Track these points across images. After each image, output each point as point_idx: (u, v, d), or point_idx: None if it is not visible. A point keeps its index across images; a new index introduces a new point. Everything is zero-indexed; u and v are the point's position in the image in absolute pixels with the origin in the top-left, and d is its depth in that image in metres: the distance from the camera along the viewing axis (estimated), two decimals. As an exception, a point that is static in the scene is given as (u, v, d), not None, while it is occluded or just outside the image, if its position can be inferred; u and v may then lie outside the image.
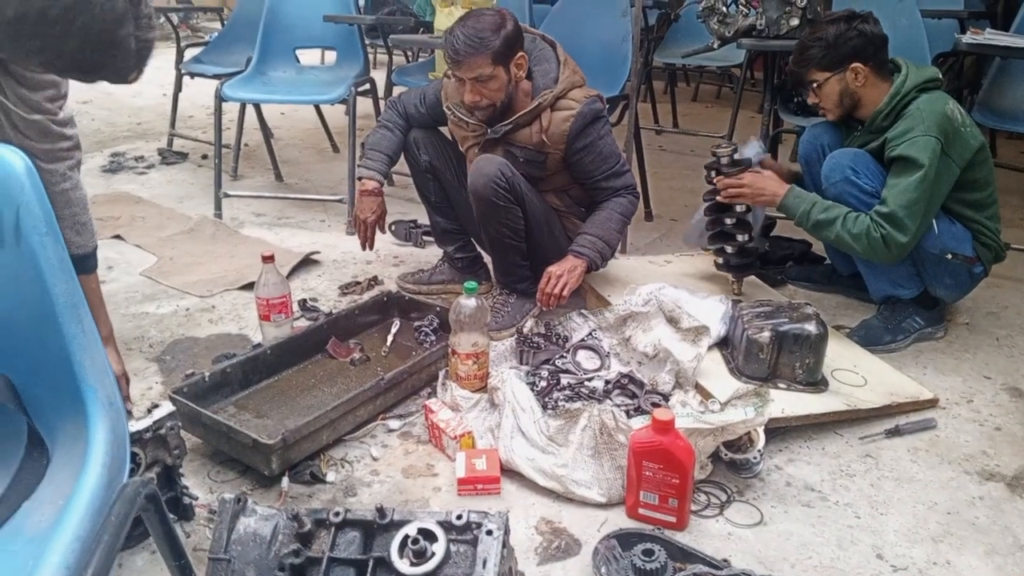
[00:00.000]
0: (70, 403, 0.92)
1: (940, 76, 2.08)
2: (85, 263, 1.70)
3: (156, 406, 1.80)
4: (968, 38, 2.42)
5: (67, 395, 0.91)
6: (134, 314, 2.36)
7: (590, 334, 2.12)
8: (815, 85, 2.13)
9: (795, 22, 2.51)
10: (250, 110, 3.74)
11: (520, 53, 2.05)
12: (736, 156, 2.21)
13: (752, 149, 2.31)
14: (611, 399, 1.86)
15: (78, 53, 1.09)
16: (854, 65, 2.06)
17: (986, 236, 2.12)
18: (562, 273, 2.13)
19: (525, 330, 2.12)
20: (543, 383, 1.90)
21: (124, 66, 1.16)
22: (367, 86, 3.29)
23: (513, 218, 2.13)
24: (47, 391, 0.93)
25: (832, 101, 2.14)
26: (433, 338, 2.10)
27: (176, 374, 2.00)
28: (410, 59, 5.41)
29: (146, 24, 1.16)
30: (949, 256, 2.08)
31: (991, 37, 2.44)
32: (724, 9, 2.63)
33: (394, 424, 1.79)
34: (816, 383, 1.87)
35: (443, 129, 2.40)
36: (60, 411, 0.92)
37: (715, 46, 2.75)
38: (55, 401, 0.93)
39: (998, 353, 2.18)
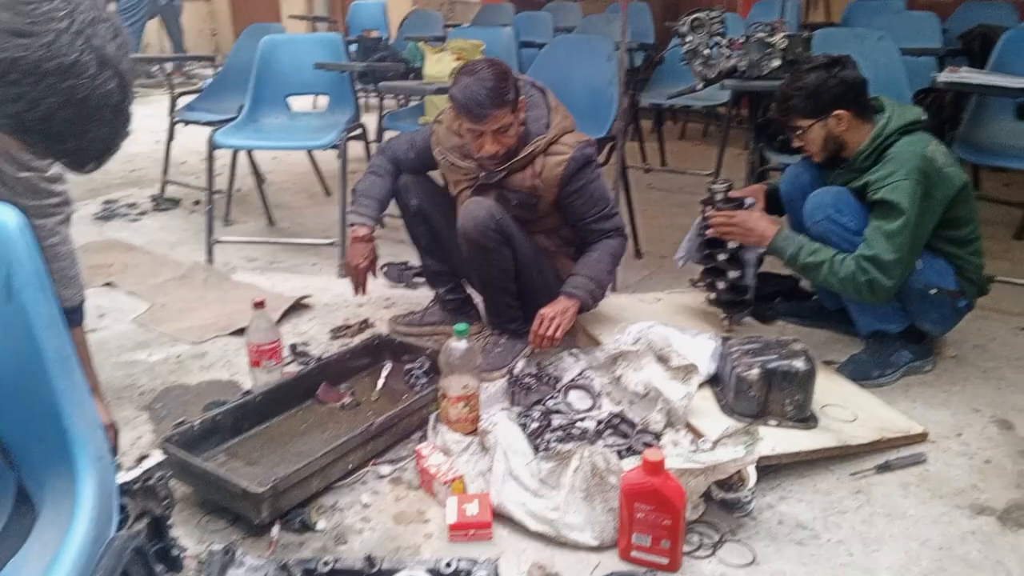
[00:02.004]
0: (59, 458, 0.92)
1: (923, 117, 2.11)
2: (72, 316, 1.71)
3: (146, 456, 1.81)
4: (945, 76, 2.48)
5: (56, 450, 0.91)
6: (125, 362, 2.36)
7: (581, 374, 2.13)
8: (799, 132, 2.17)
9: (776, 63, 2.56)
10: (242, 155, 3.78)
11: (522, 97, 2.11)
12: (731, 194, 2.25)
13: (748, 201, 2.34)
14: (603, 439, 1.86)
15: (53, 113, 1.04)
16: (836, 112, 2.09)
17: (969, 271, 2.15)
18: (555, 315, 2.14)
19: (516, 371, 2.12)
20: (535, 424, 1.90)
21: (90, 147, 1.11)
22: (358, 131, 3.33)
23: (503, 260, 2.15)
24: (36, 446, 0.93)
25: (817, 146, 2.17)
26: (424, 380, 2.10)
27: (167, 422, 1.99)
28: (401, 104, 5.48)
29: (124, 121, 1.13)
30: (933, 291, 2.11)
31: (967, 75, 2.51)
32: (707, 52, 2.69)
33: (385, 470, 1.78)
34: (806, 419, 1.88)
35: (432, 173, 2.43)
36: (49, 466, 0.92)
37: (699, 87, 2.81)
38: (44, 456, 0.93)
39: (986, 385, 2.19)
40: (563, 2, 6.35)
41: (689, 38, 2.72)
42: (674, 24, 2.86)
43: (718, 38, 2.68)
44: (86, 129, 1.08)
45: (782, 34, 2.55)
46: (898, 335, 2.21)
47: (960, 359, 2.34)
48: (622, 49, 2.75)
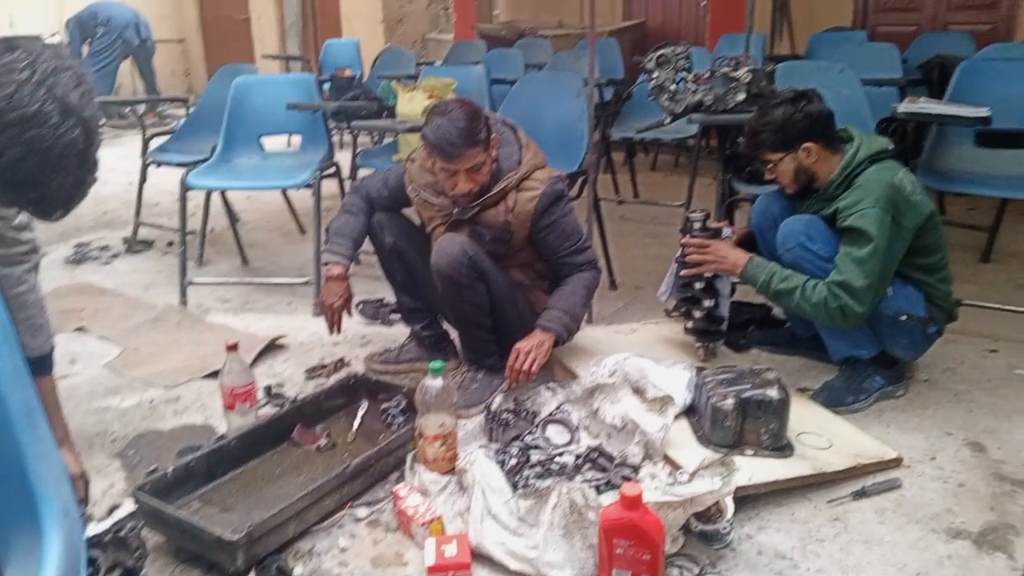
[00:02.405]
0: (25, 515, 0.90)
1: (890, 147, 2.16)
2: (41, 365, 1.69)
3: (118, 506, 1.78)
4: (904, 106, 2.55)
5: (22, 507, 0.90)
6: (97, 408, 2.32)
7: (559, 408, 2.13)
8: (770, 165, 2.21)
9: (741, 96, 2.62)
10: (216, 195, 3.76)
11: (494, 135, 2.14)
12: (709, 223, 2.29)
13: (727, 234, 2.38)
14: (582, 474, 1.86)
15: (17, 163, 1.04)
16: (805, 145, 2.13)
17: (938, 298, 2.19)
18: (531, 349, 2.15)
19: (494, 407, 2.12)
20: (513, 461, 1.90)
21: (55, 196, 1.11)
22: (332, 170, 3.34)
23: (478, 295, 2.16)
24: (0, 503, 0.92)
25: (788, 178, 2.21)
26: (401, 419, 2.09)
27: (139, 469, 1.96)
28: (375, 141, 5.51)
29: (90, 168, 1.13)
30: (903, 317, 2.14)
31: (926, 105, 2.57)
32: (673, 87, 2.74)
33: (362, 512, 1.76)
34: (782, 448, 1.89)
35: (407, 210, 2.44)
36: (14, 523, 0.90)
37: (667, 122, 2.86)
38: (9, 513, 0.91)
39: (957, 408, 2.22)
40: (534, 39, 6.45)
41: (655, 74, 2.78)
42: (642, 59, 2.92)
43: (684, 73, 2.74)
44: (51, 178, 1.07)
45: (746, 68, 2.61)
46: (870, 361, 2.24)
47: (932, 383, 2.37)
48: (591, 85, 2.80)
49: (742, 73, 2.61)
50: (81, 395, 2.40)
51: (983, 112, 2.51)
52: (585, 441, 2.01)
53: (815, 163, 2.16)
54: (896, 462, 1.92)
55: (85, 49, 8.09)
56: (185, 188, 3.14)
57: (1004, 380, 2.38)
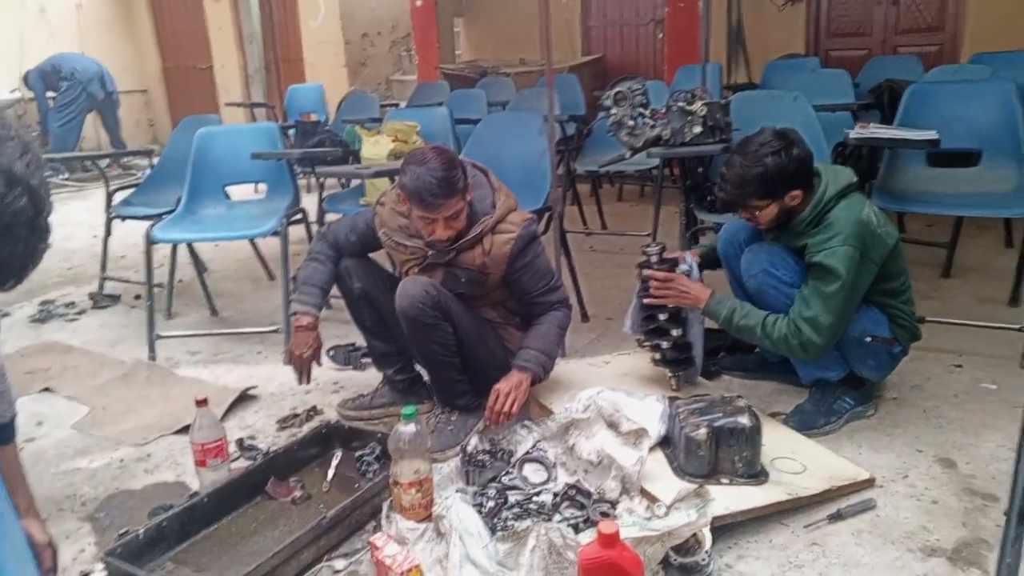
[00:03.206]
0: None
1: (855, 179, 2.18)
2: (2, 434, 1.65)
3: (88, 573, 1.74)
4: (856, 132, 2.62)
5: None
6: (65, 471, 2.28)
7: (535, 446, 2.13)
8: (755, 211, 2.20)
9: (698, 129, 2.68)
10: (183, 246, 3.75)
11: (469, 180, 2.16)
12: (665, 255, 2.32)
13: (687, 262, 2.41)
14: (560, 512, 1.86)
15: None
16: (792, 192, 2.14)
17: (902, 318, 2.23)
18: (510, 390, 2.16)
19: (470, 448, 2.11)
20: (491, 503, 1.89)
21: (7, 265, 1.10)
22: (299, 216, 3.35)
23: (443, 335, 2.16)
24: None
25: (769, 220, 2.20)
26: (376, 467, 2.07)
27: (111, 532, 1.93)
28: (343, 184, 5.52)
29: (40, 236, 1.12)
30: (868, 339, 2.18)
31: (876, 130, 2.65)
32: (631, 123, 2.80)
33: (339, 564, 1.74)
34: (757, 475, 1.91)
35: (375, 254, 2.45)
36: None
37: (628, 156, 2.91)
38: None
39: (927, 425, 2.25)
40: (496, 77, 6.54)
41: (614, 111, 2.83)
42: (602, 94, 2.97)
43: (641, 109, 2.80)
44: (1, 249, 1.07)
45: (701, 102, 2.67)
46: (839, 382, 2.28)
47: (900, 400, 2.41)
48: (551, 123, 2.85)
49: (697, 106, 2.67)
50: (49, 458, 2.35)
51: (931, 135, 2.59)
52: (562, 478, 2.00)
53: (797, 204, 2.18)
54: (870, 482, 1.95)
55: (50, 101, 8.04)
56: (150, 242, 3.12)
57: (970, 394, 2.42)
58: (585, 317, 3.33)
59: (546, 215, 3.07)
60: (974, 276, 3.53)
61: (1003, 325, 2.72)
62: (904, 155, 3.10)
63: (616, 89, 2.84)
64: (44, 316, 3.77)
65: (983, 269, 3.61)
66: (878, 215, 2.15)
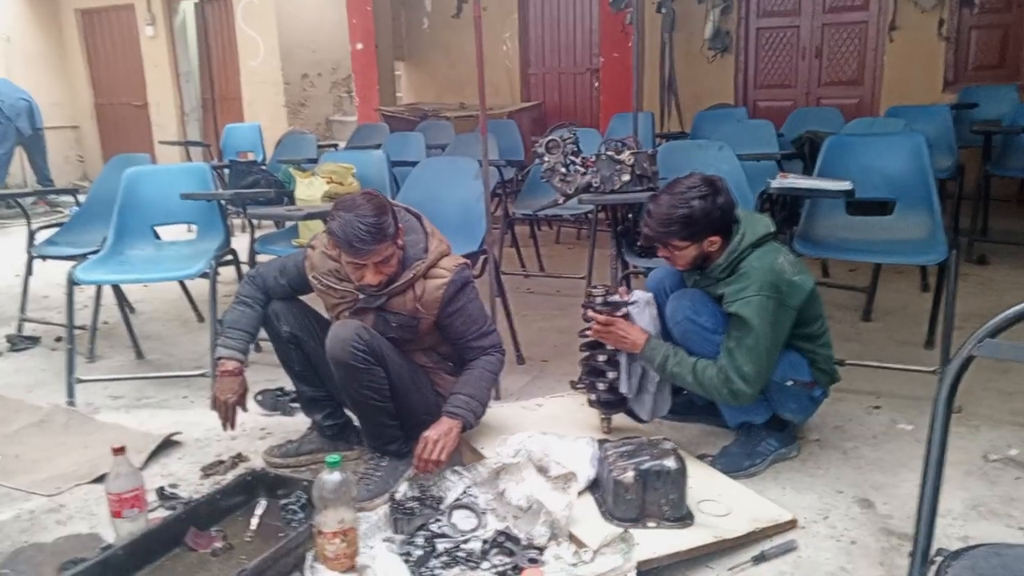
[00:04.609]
0: None
1: (772, 229, 2.25)
2: None
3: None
4: (777, 182, 2.73)
5: None
6: (-31, 525, 2.16)
7: (465, 492, 2.12)
8: (675, 251, 2.25)
9: (626, 177, 2.75)
10: (108, 288, 3.64)
11: (400, 225, 2.17)
12: (609, 298, 2.34)
13: (640, 301, 2.42)
14: (489, 560, 1.84)
15: None
16: (712, 238, 2.20)
17: (821, 362, 2.30)
18: (438, 437, 2.14)
19: (399, 496, 2.08)
20: (419, 552, 1.86)
21: None
22: (229, 257, 3.29)
23: (375, 379, 2.14)
24: None
25: (686, 262, 2.26)
26: (301, 516, 2.02)
27: (15, 591, 1.83)
28: (278, 225, 5.46)
29: None
30: (789, 383, 2.24)
31: (795, 180, 2.76)
32: (563, 170, 2.86)
33: (259, 618, 1.69)
34: (682, 518, 1.93)
35: (305, 297, 2.42)
36: None
37: (560, 201, 2.97)
38: None
39: (847, 466, 2.32)
40: (436, 120, 6.61)
41: (547, 158, 2.90)
42: (539, 139, 3.04)
43: (572, 157, 2.86)
44: None
45: (629, 151, 2.76)
46: (764, 425, 2.33)
47: (822, 442, 2.47)
48: (485, 168, 2.89)
49: (626, 155, 2.75)
50: (-48, 511, 2.23)
51: (846, 185, 2.71)
52: (492, 524, 1.99)
53: (714, 251, 2.24)
54: (791, 524, 1.99)
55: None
56: (72, 283, 3.02)
57: (888, 435, 2.51)
58: (520, 360, 3.34)
59: (481, 258, 3.10)
60: (893, 320, 3.67)
61: (919, 368, 2.83)
62: (823, 203, 3.23)
63: (549, 137, 2.91)
64: (-44, 359, 3.60)
65: (901, 312, 3.76)
66: (792, 263, 2.22)
